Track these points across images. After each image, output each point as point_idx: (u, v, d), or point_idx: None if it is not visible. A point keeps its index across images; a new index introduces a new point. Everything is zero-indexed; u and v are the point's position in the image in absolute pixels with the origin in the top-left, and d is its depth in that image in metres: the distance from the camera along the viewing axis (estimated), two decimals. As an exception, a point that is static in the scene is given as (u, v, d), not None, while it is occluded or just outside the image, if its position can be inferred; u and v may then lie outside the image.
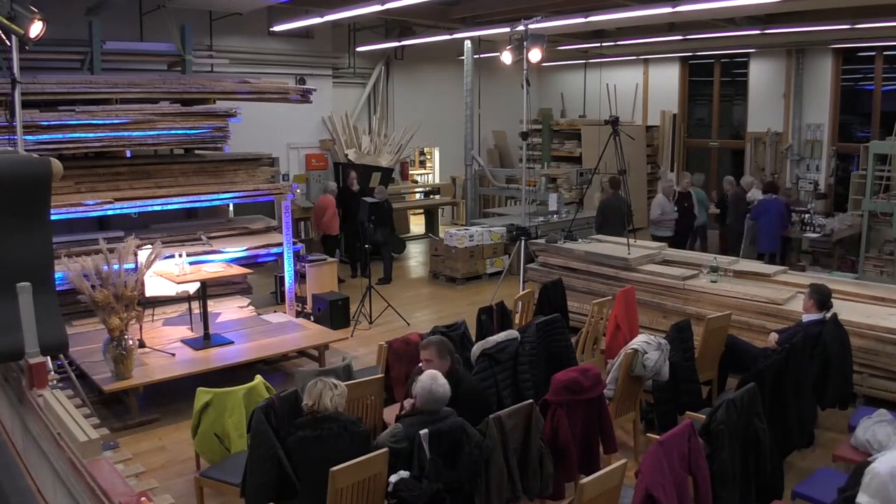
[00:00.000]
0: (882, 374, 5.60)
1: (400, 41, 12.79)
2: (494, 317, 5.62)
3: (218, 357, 5.93)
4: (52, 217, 4.08)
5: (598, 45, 12.80)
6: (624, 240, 7.92)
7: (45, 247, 3.78)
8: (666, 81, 14.76)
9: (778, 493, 3.76)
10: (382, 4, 8.49)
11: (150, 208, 7.08)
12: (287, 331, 6.76)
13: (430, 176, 16.22)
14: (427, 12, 10.53)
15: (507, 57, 7.79)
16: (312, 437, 3.36)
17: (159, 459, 4.94)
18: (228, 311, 7.35)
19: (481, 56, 12.38)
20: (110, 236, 6.66)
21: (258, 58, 11.50)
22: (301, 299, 8.10)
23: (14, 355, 3.35)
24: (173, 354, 5.92)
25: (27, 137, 5.88)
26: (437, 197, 14.13)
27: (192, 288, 6.31)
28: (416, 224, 14.13)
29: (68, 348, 4.29)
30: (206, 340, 6.13)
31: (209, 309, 6.48)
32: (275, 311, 7.55)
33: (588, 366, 4.12)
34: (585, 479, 2.95)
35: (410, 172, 15.08)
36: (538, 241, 8.56)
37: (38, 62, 8.07)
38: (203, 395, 4.31)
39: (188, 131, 7.31)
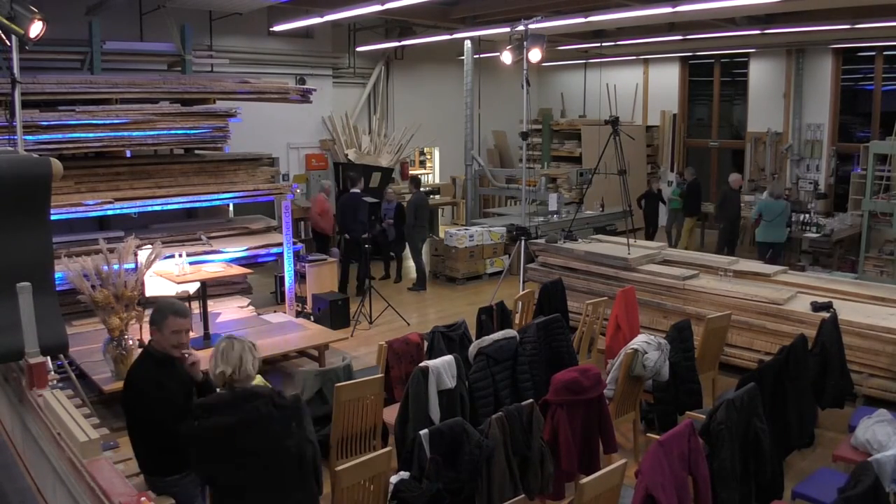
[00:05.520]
0: (882, 374, 5.60)
1: (400, 41, 12.79)
2: (494, 317, 5.63)
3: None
4: (52, 217, 4.08)
5: (598, 45, 12.80)
6: (625, 239, 7.93)
7: (45, 247, 3.77)
8: (666, 81, 14.76)
9: (778, 493, 3.76)
10: (382, 4, 8.49)
11: (150, 208, 7.08)
12: (287, 331, 6.76)
13: (430, 176, 16.21)
14: (427, 12, 10.53)
15: (507, 57, 7.79)
16: (235, 422, 2.68)
17: (159, 459, 4.93)
18: (228, 311, 7.35)
19: (481, 56, 12.38)
20: (110, 236, 6.66)
21: (258, 58, 11.50)
22: (301, 299, 8.10)
23: (14, 355, 3.35)
24: (173, 354, 5.91)
25: (27, 137, 5.88)
26: (437, 197, 14.12)
27: (192, 288, 6.31)
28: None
29: (68, 348, 4.29)
30: (206, 340, 6.13)
31: (209, 309, 6.48)
32: (275, 311, 7.55)
33: (588, 366, 4.12)
34: (585, 479, 2.95)
35: (410, 172, 15.07)
36: (538, 241, 8.56)
37: (38, 62, 8.07)
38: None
39: (188, 131, 7.31)
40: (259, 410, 2.72)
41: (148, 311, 3.42)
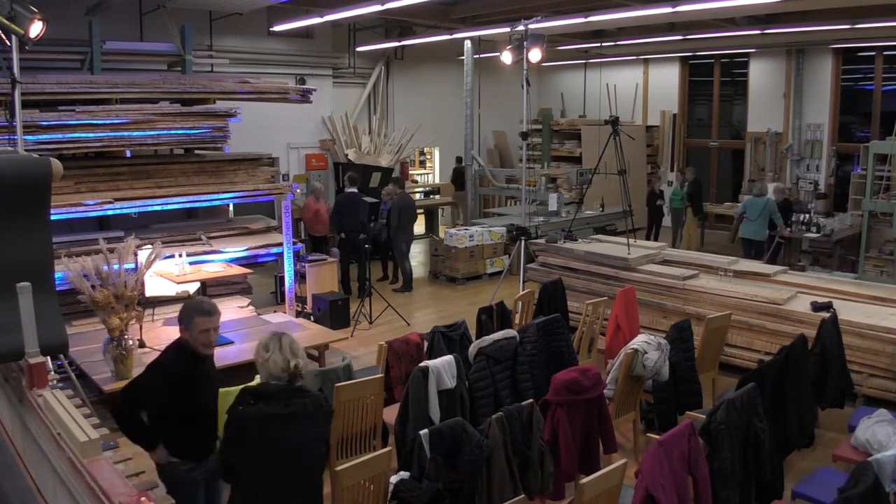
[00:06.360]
0: (882, 374, 5.60)
1: (400, 41, 12.79)
2: (494, 317, 5.63)
3: (218, 357, 5.81)
4: (52, 217, 4.08)
5: (598, 45, 12.80)
6: (625, 239, 7.93)
7: (45, 247, 3.77)
8: (666, 81, 14.76)
9: (778, 493, 3.76)
10: (382, 4, 8.49)
11: (150, 208, 7.08)
12: (287, 331, 6.72)
13: (430, 176, 16.22)
14: (427, 12, 10.54)
15: (507, 57, 7.79)
16: (284, 414, 2.72)
17: (159, 459, 4.93)
18: (228, 311, 7.33)
19: (481, 56, 12.38)
20: (110, 236, 6.66)
21: (258, 58, 11.50)
22: (301, 299, 8.10)
23: (14, 355, 3.35)
24: (173, 354, 5.90)
25: (27, 137, 5.88)
26: (437, 197, 14.13)
27: (192, 288, 6.31)
28: (417, 224, 14.11)
29: (68, 348, 4.28)
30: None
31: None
32: (275, 311, 7.55)
33: (588, 366, 4.12)
34: (585, 479, 2.95)
35: (410, 172, 15.08)
36: (538, 241, 8.56)
37: (38, 62, 8.07)
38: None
39: (188, 131, 7.31)
40: (307, 407, 2.77)
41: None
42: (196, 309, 3.32)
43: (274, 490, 2.75)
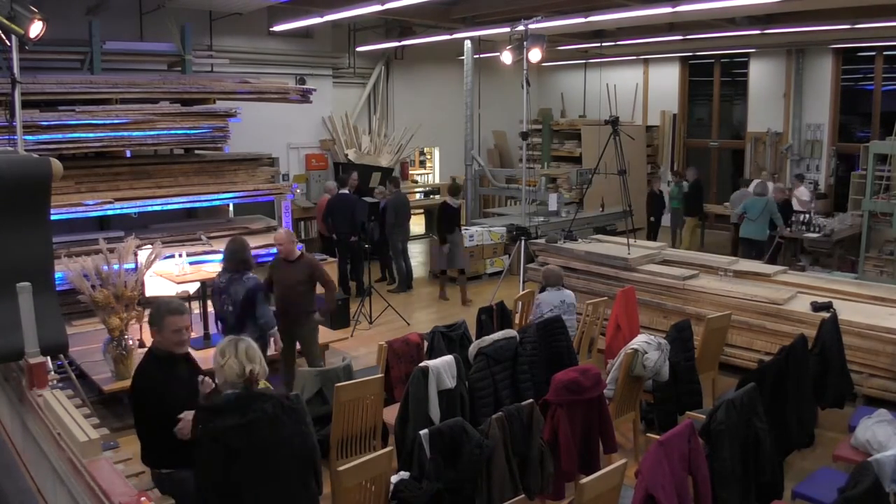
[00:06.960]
0: (882, 374, 5.60)
1: (400, 41, 12.79)
2: (494, 317, 5.63)
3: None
4: (52, 217, 4.08)
5: (598, 45, 12.80)
6: (625, 239, 7.93)
7: (45, 247, 3.77)
8: (666, 81, 14.76)
9: (778, 493, 3.76)
10: (382, 4, 8.49)
11: (150, 208, 7.09)
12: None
13: (430, 176, 16.22)
14: (427, 12, 10.53)
15: (507, 57, 7.79)
16: (242, 424, 2.65)
17: (159, 459, 4.92)
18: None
19: (481, 56, 12.38)
20: (110, 236, 6.66)
21: (258, 58, 11.50)
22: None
23: (14, 355, 3.35)
24: (173, 354, 5.90)
25: (27, 137, 5.88)
26: (437, 197, 14.12)
27: (192, 288, 6.30)
28: (416, 224, 14.12)
29: (68, 348, 4.29)
30: (206, 340, 6.12)
31: (209, 309, 6.47)
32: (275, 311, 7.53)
33: (588, 366, 4.12)
34: (585, 479, 2.95)
35: (410, 172, 15.08)
36: (538, 241, 8.56)
37: (38, 62, 8.06)
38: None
39: (188, 131, 7.32)
40: (266, 412, 2.74)
41: (148, 311, 3.44)
42: (166, 309, 3.29)
43: (253, 492, 2.72)
